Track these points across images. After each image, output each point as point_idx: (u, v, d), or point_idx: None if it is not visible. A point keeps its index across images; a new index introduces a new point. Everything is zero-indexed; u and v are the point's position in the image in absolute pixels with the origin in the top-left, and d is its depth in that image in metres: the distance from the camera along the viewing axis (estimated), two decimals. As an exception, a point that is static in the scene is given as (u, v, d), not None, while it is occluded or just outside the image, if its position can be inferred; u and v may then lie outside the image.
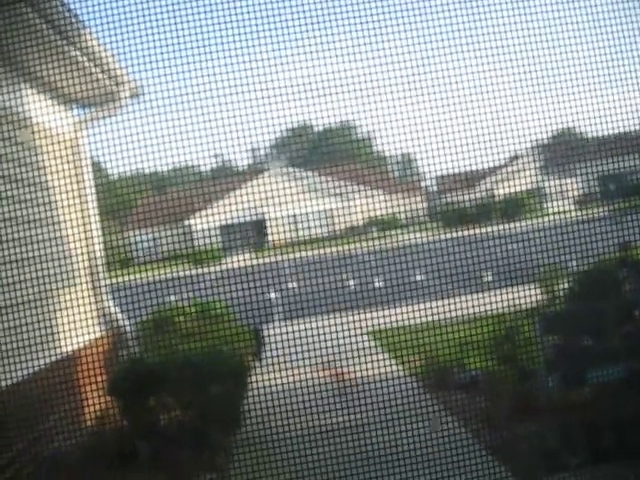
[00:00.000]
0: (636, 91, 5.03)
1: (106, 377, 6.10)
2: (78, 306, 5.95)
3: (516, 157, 7.35)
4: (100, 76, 6.07)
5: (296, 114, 5.04)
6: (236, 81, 4.97)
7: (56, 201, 5.85)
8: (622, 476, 4.21)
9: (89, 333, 6.12)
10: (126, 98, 6.52)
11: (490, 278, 5.67)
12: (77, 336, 5.54)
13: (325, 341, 5.27)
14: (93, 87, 5.50)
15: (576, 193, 6.18)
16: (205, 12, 4.82)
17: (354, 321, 5.42)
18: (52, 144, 5.23)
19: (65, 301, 5.83)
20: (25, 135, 5.15)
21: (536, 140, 5.38)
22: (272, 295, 7.24)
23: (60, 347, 5.60)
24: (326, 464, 4.92)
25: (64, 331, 5.56)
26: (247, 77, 5.04)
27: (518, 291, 5.41)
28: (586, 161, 5.44)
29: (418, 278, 5.61)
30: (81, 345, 5.79)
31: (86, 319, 5.83)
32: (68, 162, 5.86)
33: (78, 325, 5.48)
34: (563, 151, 6.66)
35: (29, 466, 4.97)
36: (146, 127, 4.93)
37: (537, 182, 7.30)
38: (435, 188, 7.60)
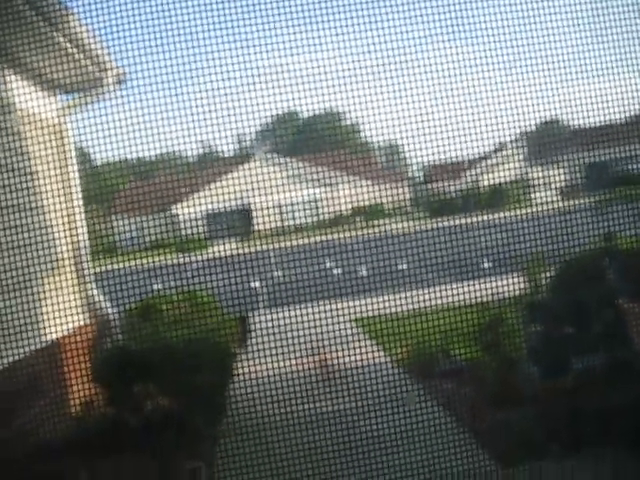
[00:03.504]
0: (621, 81, 5.06)
1: (91, 364, 6.09)
2: (63, 293, 5.92)
3: (502, 147, 7.37)
4: (85, 62, 6.02)
5: (282, 101, 5.03)
6: (222, 68, 4.96)
7: (40, 187, 5.82)
8: (604, 463, 4.26)
9: (74, 321, 6.09)
10: (111, 84, 6.47)
11: (475, 267, 5.70)
12: (62, 324, 5.52)
13: (310, 329, 5.29)
14: (78, 73, 5.46)
15: (561, 183, 6.22)
16: (191, -2, 4.80)
17: (339, 309, 5.44)
18: (36, 130, 5.20)
19: (50, 288, 5.81)
20: (12, 121, 5.11)
21: (522, 130, 5.40)
22: (257, 284, 7.24)
23: (45, 334, 5.58)
24: (311, 452, 4.95)
25: (49, 318, 5.54)
26: (233, 64, 5.03)
27: (503, 280, 5.45)
28: (571, 151, 5.47)
29: (403, 267, 5.63)
30: (66, 333, 5.77)
31: (71, 306, 5.80)
32: (52, 148, 5.82)
33: (63, 312, 5.46)
34: (548, 141, 6.69)
35: (13, 457, 4.95)
36: (131, 113, 4.91)
37: (522, 172, 7.33)
38: (421, 177, 7.61)
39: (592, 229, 5.20)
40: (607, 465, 4.35)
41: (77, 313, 6.56)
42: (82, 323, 6.67)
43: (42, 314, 5.58)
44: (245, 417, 5.77)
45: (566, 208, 5.52)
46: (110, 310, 7.24)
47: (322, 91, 4.98)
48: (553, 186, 6.03)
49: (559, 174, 6.03)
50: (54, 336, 5.68)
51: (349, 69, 5.02)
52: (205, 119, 4.96)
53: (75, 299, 6.63)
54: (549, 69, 5.09)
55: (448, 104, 5.12)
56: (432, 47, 5.06)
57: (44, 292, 5.72)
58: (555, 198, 5.87)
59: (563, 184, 6.26)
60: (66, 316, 5.49)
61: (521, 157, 7.10)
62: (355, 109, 5.20)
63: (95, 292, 7.24)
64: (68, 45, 5.61)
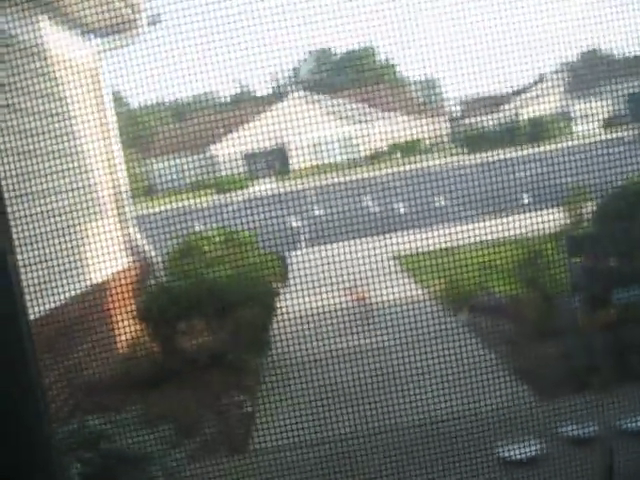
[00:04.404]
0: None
1: (136, 305, 6.23)
2: (105, 237, 6.03)
3: (542, 79, 7.18)
4: (118, 4, 5.98)
5: (318, 37, 4.95)
6: (256, 5, 4.88)
7: (79, 132, 5.87)
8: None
9: (118, 263, 6.22)
10: (145, 26, 6.43)
11: (515, 202, 5.64)
12: (106, 266, 5.64)
13: (349, 266, 5.32)
14: (111, 15, 5.43)
15: (604, 115, 6.06)
16: None
17: (377, 246, 5.44)
18: (73, 75, 5.22)
19: (93, 232, 5.92)
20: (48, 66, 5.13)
21: (563, 61, 5.24)
22: (295, 222, 7.29)
23: (90, 277, 5.72)
24: (350, 385, 5.04)
25: (93, 261, 5.66)
26: (267, 0, 4.94)
27: (544, 215, 5.38)
28: (614, 82, 5.30)
29: (442, 203, 5.60)
30: (110, 275, 5.90)
31: (114, 249, 5.91)
32: (89, 92, 5.86)
33: (106, 255, 5.57)
34: (591, 72, 6.49)
35: (65, 393, 5.14)
36: (165, 55, 4.88)
37: (564, 104, 7.15)
38: (459, 112, 7.47)
39: (635, 161, 5.08)
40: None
41: (121, 256, 6.68)
42: (126, 265, 6.81)
43: (87, 258, 5.71)
44: (287, 352, 5.88)
45: (608, 140, 5.39)
46: (152, 251, 7.37)
47: (357, 26, 4.88)
48: (595, 118, 5.88)
49: (601, 106, 5.87)
50: (99, 279, 5.81)
51: (384, 2, 4.90)
52: (240, 58, 4.91)
53: (118, 242, 6.75)
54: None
55: (486, 35, 4.98)
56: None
57: (87, 236, 5.84)
58: (597, 130, 5.73)
59: (605, 116, 6.10)
60: (110, 259, 5.60)
61: (563, 89, 6.92)
62: (390, 44, 5.10)
63: (137, 234, 7.36)
64: (100, -13, 5.57)
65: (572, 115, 6.99)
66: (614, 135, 5.77)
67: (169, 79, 4.91)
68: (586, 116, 5.99)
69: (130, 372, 5.89)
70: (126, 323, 5.89)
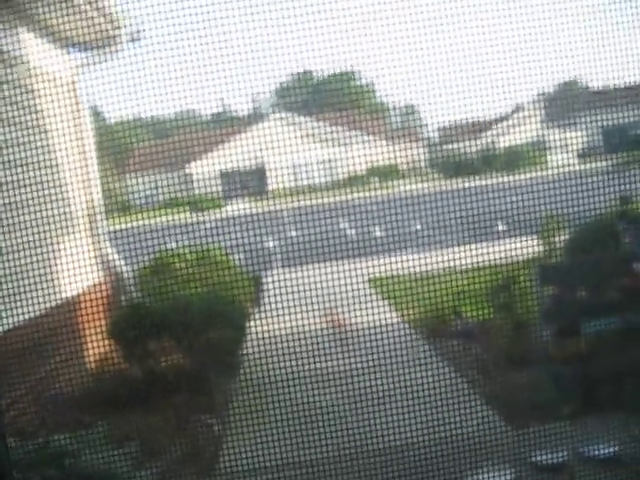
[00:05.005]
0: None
1: (106, 321, 6.15)
2: (77, 251, 5.96)
3: (519, 108, 7.28)
4: (99, 19, 5.97)
5: (298, 60, 4.97)
6: (237, 25, 4.89)
7: (55, 145, 5.82)
8: (614, 427, 4.29)
9: (88, 278, 6.14)
10: (125, 42, 6.42)
11: (490, 229, 5.69)
12: (77, 281, 5.57)
13: (324, 289, 5.31)
14: (92, 31, 5.42)
15: (579, 146, 6.15)
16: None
17: (353, 269, 5.44)
18: (49, 87, 5.18)
19: (64, 246, 5.85)
20: (21, 73, 5.09)
21: (540, 91, 5.31)
22: (271, 243, 7.26)
23: (60, 292, 5.63)
24: (323, 408, 5.01)
25: (63, 276, 5.58)
26: (248, 21, 4.96)
27: (517, 242, 5.42)
28: (590, 113, 5.39)
29: (417, 227, 5.62)
30: (81, 290, 5.82)
31: (86, 264, 5.85)
32: (66, 106, 5.81)
33: (77, 270, 5.50)
34: (567, 103, 6.60)
35: (30, 410, 5.04)
36: (145, 71, 4.87)
37: (540, 134, 7.25)
38: (437, 138, 7.54)
39: (608, 192, 5.14)
40: (617, 429, 4.39)
41: (92, 271, 6.61)
42: (97, 281, 6.73)
43: (57, 272, 5.63)
44: (258, 375, 5.83)
45: (583, 171, 5.46)
46: (124, 268, 7.29)
47: (337, 50, 4.92)
48: (570, 148, 5.96)
49: (577, 136, 5.96)
50: (69, 294, 5.73)
51: (365, 28, 4.94)
52: (220, 77, 4.92)
53: (90, 257, 6.67)
54: (569, 27, 4.99)
55: (465, 64, 5.05)
56: (449, 4, 4.96)
57: (59, 250, 5.76)
58: (572, 160, 5.81)
59: (580, 146, 6.19)
60: (81, 274, 5.53)
61: (539, 118, 7.01)
62: (371, 69, 5.14)
63: (109, 250, 7.28)
64: (81, 2, 5.55)
65: (548, 145, 7.08)
66: (588, 166, 5.85)
67: (148, 96, 4.89)
68: (562, 146, 6.07)
69: (96, 390, 5.80)
70: (94, 340, 5.81)
